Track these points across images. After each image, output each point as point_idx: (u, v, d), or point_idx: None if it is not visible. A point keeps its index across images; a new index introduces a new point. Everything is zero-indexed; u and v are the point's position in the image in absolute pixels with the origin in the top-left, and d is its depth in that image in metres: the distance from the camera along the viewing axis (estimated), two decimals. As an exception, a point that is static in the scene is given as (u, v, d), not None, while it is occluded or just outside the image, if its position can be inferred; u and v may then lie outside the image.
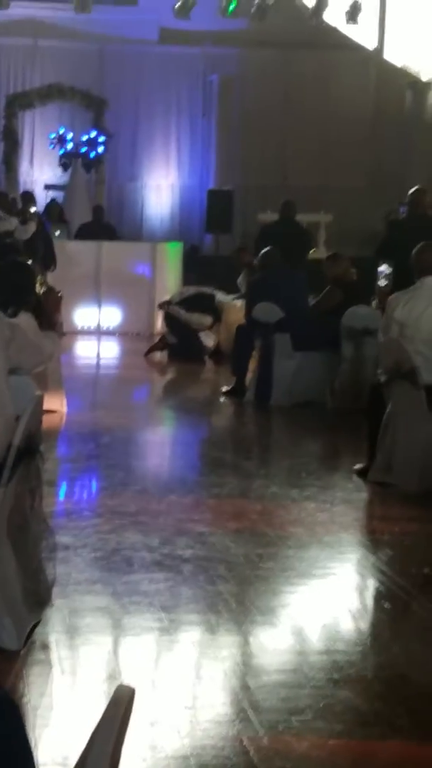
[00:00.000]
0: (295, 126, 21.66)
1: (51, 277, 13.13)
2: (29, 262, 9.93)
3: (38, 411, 4.78)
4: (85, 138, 20.16)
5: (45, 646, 4.49)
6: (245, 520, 6.44)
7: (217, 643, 4.61)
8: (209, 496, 7.06)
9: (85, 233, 17.14)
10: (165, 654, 4.51)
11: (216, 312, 13.92)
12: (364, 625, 5.01)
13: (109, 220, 19.20)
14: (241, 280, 13.72)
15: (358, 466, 7.67)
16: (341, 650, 4.57)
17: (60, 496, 6.98)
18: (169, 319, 14.03)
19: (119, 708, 1.77)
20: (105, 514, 6.46)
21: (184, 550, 5.78)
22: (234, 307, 13.47)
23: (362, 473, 7.57)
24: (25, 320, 6.12)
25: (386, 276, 11.54)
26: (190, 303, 13.92)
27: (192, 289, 14.55)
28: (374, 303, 11.10)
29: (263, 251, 11.68)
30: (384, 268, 11.72)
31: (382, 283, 11.07)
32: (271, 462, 8.41)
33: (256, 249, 12.76)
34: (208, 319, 13.87)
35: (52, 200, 18.94)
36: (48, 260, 14.19)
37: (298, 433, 9.64)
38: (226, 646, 4.58)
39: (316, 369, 10.63)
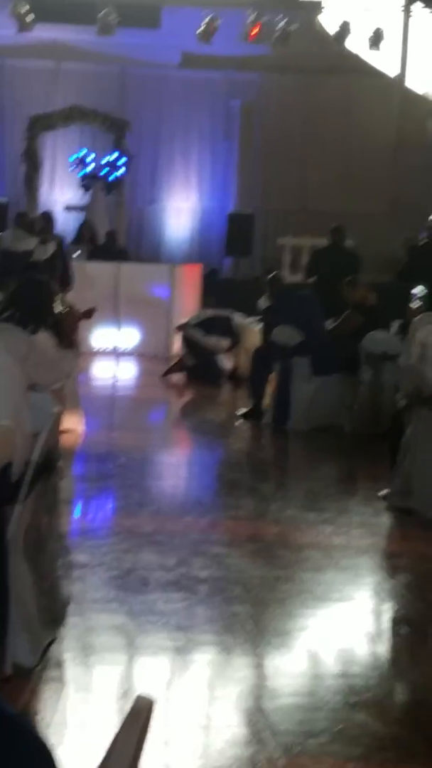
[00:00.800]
0: (317, 151, 21.72)
1: (69, 297, 13.16)
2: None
3: (56, 428, 4.78)
4: (105, 160, 20.24)
5: (60, 664, 4.46)
6: (262, 542, 6.42)
7: (232, 664, 4.57)
8: (226, 517, 7.03)
9: (98, 257, 17.16)
10: (180, 674, 4.48)
11: (234, 335, 13.93)
12: (382, 649, 4.97)
13: (125, 244, 19.24)
14: (262, 302, 13.72)
15: (383, 492, 7.59)
16: (358, 674, 4.53)
17: (76, 514, 6.97)
18: (186, 341, 14.05)
19: (139, 719, 1.75)
20: (121, 534, 6.44)
21: (200, 571, 5.75)
22: (253, 330, 13.48)
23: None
24: (44, 338, 6.13)
25: (420, 298, 11.52)
26: (207, 326, 13.94)
27: (209, 312, 14.56)
28: (395, 328, 11.08)
29: (269, 276, 11.76)
30: (418, 290, 11.71)
31: (414, 304, 11.05)
32: (288, 485, 8.38)
33: (307, 273, 13.06)
34: (225, 342, 13.88)
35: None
36: (65, 280, 14.24)
37: (316, 456, 9.63)
38: (242, 667, 4.55)
39: (334, 393, 10.61)
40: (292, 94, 21.63)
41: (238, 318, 14.18)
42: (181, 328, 14.22)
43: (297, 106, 21.67)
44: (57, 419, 4.78)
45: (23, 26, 18.77)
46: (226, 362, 13.94)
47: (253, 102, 21.72)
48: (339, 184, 21.71)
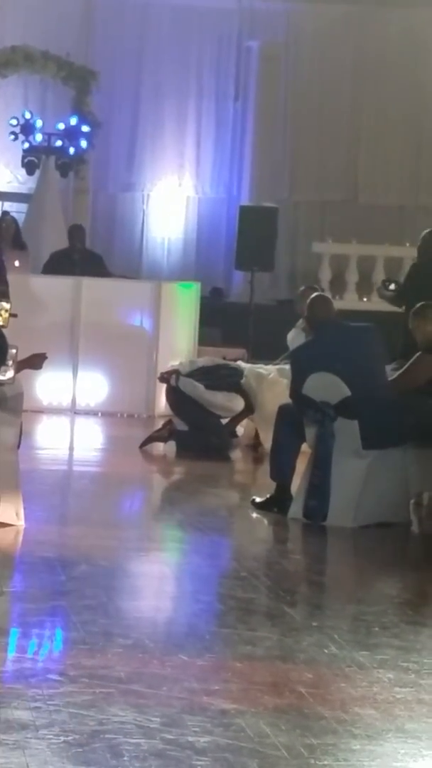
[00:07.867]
0: (370, 117, 21.86)
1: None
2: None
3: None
4: (61, 126, 20.37)
5: None
6: (289, 695, 6.41)
7: None
8: (235, 657, 7.02)
9: (57, 265, 17.20)
10: None
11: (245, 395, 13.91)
12: None
13: (94, 248, 19.32)
14: (293, 336, 13.75)
15: None
16: None
17: (11, 650, 6.97)
18: (176, 396, 14.03)
19: None
20: (80, 680, 6.43)
21: (197, 736, 5.74)
22: (276, 381, 13.51)
23: None
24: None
25: None
26: (208, 377, 13.90)
27: (207, 360, 14.56)
28: None
29: (311, 298, 11.68)
30: None
31: None
32: (327, 609, 8.38)
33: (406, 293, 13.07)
34: (238, 402, 13.86)
35: (4, 214, 19.03)
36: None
37: (368, 567, 9.62)
38: None
39: (396, 474, 10.62)
40: (336, 33, 21.80)
41: (249, 370, 14.08)
42: (167, 376, 14.19)
43: (342, 51, 21.84)
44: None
45: None
46: (239, 426, 14.00)
47: (279, 44, 21.89)
48: (403, 164, 21.83)
